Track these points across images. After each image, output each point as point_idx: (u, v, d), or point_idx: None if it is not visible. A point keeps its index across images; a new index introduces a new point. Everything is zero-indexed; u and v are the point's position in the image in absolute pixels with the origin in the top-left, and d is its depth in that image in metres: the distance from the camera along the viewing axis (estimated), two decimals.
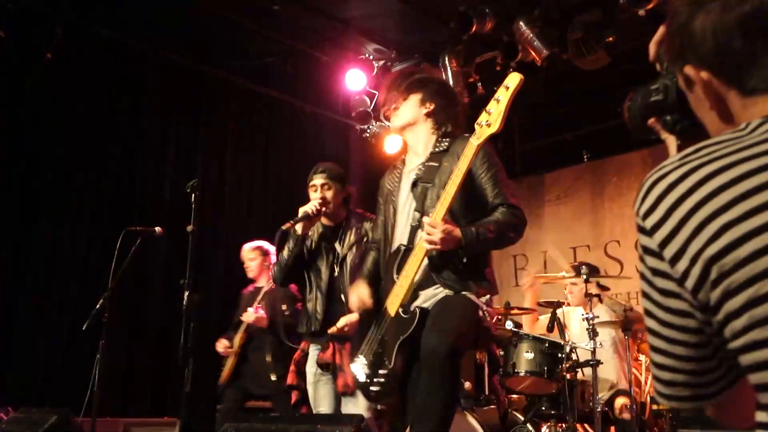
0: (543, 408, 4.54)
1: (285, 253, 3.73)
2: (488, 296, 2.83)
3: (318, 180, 3.77)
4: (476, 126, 2.73)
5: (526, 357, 4.39)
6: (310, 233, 3.79)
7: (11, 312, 5.43)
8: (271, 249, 5.30)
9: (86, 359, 4.54)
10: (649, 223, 0.94)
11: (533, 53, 5.95)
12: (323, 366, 3.62)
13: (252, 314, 5.01)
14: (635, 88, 1.29)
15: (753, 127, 0.92)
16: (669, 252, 0.91)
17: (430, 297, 2.80)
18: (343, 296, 3.68)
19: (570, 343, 4.46)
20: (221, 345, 5.17)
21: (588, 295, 4.63)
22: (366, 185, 4.68)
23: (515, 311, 5.05)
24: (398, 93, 3.03)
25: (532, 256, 8.21)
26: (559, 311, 4.78)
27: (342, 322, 3.51)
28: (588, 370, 4.43)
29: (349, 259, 3.72)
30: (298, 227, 3.68)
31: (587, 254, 7.67)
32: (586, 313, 4.47)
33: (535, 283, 5.58)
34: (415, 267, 2.76)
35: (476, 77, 6.68)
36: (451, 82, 6.40)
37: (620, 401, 4.74)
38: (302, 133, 7.67)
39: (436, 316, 2.68)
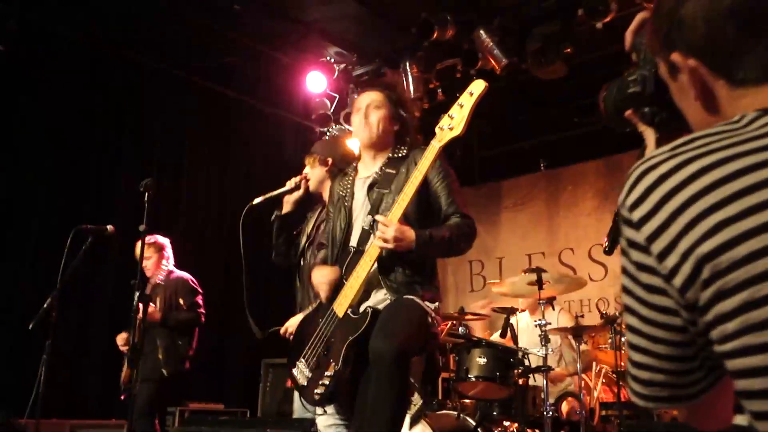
0: (494, 413, 4.58)
1: (274, 237, 3.69)
2: (437, 303, 2.83)
3: (307, 160, 3.77)
4: (437, 130, 2.74)
5: (478, 362, 4.42)
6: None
7: None
8: (165, 242, 5.17)
9: (32, 359, 4.43)
10: (636, 215, 0.89)
11: (493, 62, 6.02)
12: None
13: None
14: (608, 83, 1.25)
15: (749, 120, 0.88)
16: (657, 247, 0.86)
17: (380, 300, 2.80)
18: (299, 290, 3.66)
19: (523, 349, 4.51)
20: (121, 338, 5.00)
21: (541, 301, 4.69)
22: None
23: (469, 317, 5.09)
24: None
25: (488, 262, 8.29)
26: (512, 319, 4.83)
27: (285, 327, 3.50)
28: (539, 375, 4.49)
29: (308, 253, 3.69)
30: (286, 207, 3.63)
31: (542, 261, 7.75)
32: (538, 320, 4.53)
33: (487, 307, 5.65)
34: (365, 269, 2.75)
35: (437, 84, 6.73)
36: (411, 88, 6.44)
37: (567, 405, 4.82)
38: (261, 134, 7.62)
39: (384, 320, 2.67)
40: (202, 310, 5.15)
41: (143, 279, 3.70)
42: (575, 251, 7.63)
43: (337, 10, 6.24)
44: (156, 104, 6.86)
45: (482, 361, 4.41)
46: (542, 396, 4.40)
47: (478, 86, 2.74)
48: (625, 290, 0.93)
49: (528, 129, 8.01)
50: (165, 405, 5.33)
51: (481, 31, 6.00)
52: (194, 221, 7.00)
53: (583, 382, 4.65)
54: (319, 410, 2.89)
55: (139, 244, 4.86)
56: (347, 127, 6.86)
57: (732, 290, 0.81)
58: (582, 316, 4.77)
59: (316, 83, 6.94)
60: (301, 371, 2.87)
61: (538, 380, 4.69)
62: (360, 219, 2.95)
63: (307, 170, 3.74)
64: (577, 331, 4.70)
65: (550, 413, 4.27)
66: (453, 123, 2.71)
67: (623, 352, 4.59)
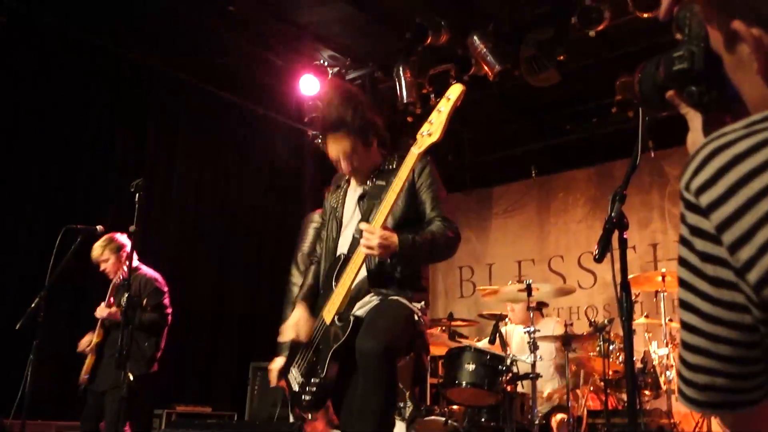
0: (482, 419, 4.58)
1: None
2: (423, 303, 2.84)
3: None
4: (418, 136, 2.75)
5: (467, 368, 4.42)
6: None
7: None
8: (124, 241, 4.84)
9: (19, 359, 4.39)
10: (704, 200, 0.78)
11: (486, 68, 6.03)
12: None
13: (104, 309, 4.71)
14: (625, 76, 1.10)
15: None
16: (730, 236, 0.76)
17: (365, 305, 2.80)
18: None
19: (511, 356, 4.52)
20: (83, 342, 4.87)
21: (530, 309, 4.69)
22: (318, 190, 4.66)
23: (458, 322, 5.09)
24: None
25: (477, 268, 8.30)
26: (502, 329, 4.84)
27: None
28: (527, 383, 4.49)
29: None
30: None
31: (532, 268, 7.79)
32: (528, 327, 4.53)
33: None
34: (352, 275, 2.76)
35: (429, 89, 6.74)
36: (404, 93, 6.45)
37: (557, 418, 4.82)
38: (253, 135, 7.61)
39: (371, 320, 2.68)
40: (169, 311, 4.96)
41: (126, 279, 3.64)
42: (565, 258, 7.65)
43: (331, 13, 6.25)
44: (148, 105, 6.83)
45: (471, 367, 4.42)
46: (530, 403, 4.40)
47: (455, 90, 2.75)
48: (684, 284, 0.83)
49: (520, 136, 8.04)
50: (137, 410, 5.14)
51: (475, 37, 6.02)
52: (186, 223, 6.97)
53: (572, 393, 4.65)
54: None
55: (95, 247, 4.82)
56: None
57: None
58: (571, 324, 4.77)
59: (309, 86, 6.95)
60: (294, 377, 2.89)
61: (526, 387, 4.70)
62: (350, 228, 2.97)
63: None
64: (566, 339, 4.71)
65: (537, 420, 4.27)
66: (432, 129, 2.73)
67: (610, 360, 4.61)
